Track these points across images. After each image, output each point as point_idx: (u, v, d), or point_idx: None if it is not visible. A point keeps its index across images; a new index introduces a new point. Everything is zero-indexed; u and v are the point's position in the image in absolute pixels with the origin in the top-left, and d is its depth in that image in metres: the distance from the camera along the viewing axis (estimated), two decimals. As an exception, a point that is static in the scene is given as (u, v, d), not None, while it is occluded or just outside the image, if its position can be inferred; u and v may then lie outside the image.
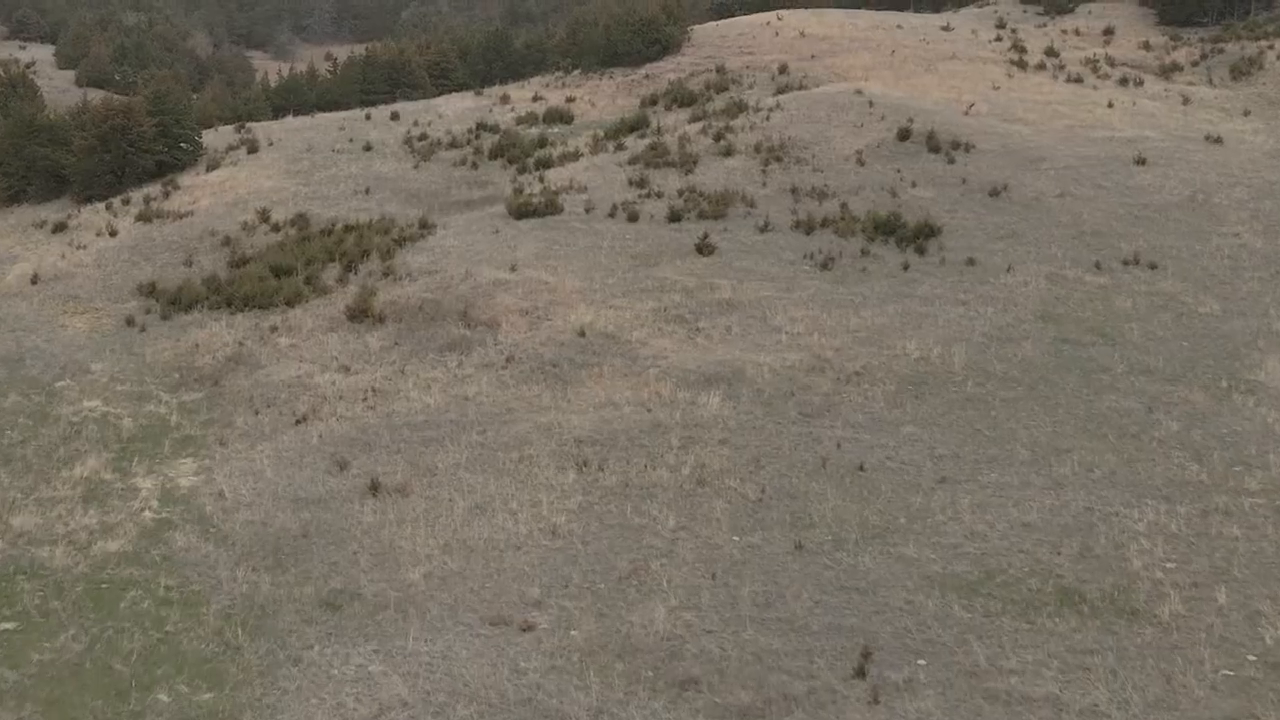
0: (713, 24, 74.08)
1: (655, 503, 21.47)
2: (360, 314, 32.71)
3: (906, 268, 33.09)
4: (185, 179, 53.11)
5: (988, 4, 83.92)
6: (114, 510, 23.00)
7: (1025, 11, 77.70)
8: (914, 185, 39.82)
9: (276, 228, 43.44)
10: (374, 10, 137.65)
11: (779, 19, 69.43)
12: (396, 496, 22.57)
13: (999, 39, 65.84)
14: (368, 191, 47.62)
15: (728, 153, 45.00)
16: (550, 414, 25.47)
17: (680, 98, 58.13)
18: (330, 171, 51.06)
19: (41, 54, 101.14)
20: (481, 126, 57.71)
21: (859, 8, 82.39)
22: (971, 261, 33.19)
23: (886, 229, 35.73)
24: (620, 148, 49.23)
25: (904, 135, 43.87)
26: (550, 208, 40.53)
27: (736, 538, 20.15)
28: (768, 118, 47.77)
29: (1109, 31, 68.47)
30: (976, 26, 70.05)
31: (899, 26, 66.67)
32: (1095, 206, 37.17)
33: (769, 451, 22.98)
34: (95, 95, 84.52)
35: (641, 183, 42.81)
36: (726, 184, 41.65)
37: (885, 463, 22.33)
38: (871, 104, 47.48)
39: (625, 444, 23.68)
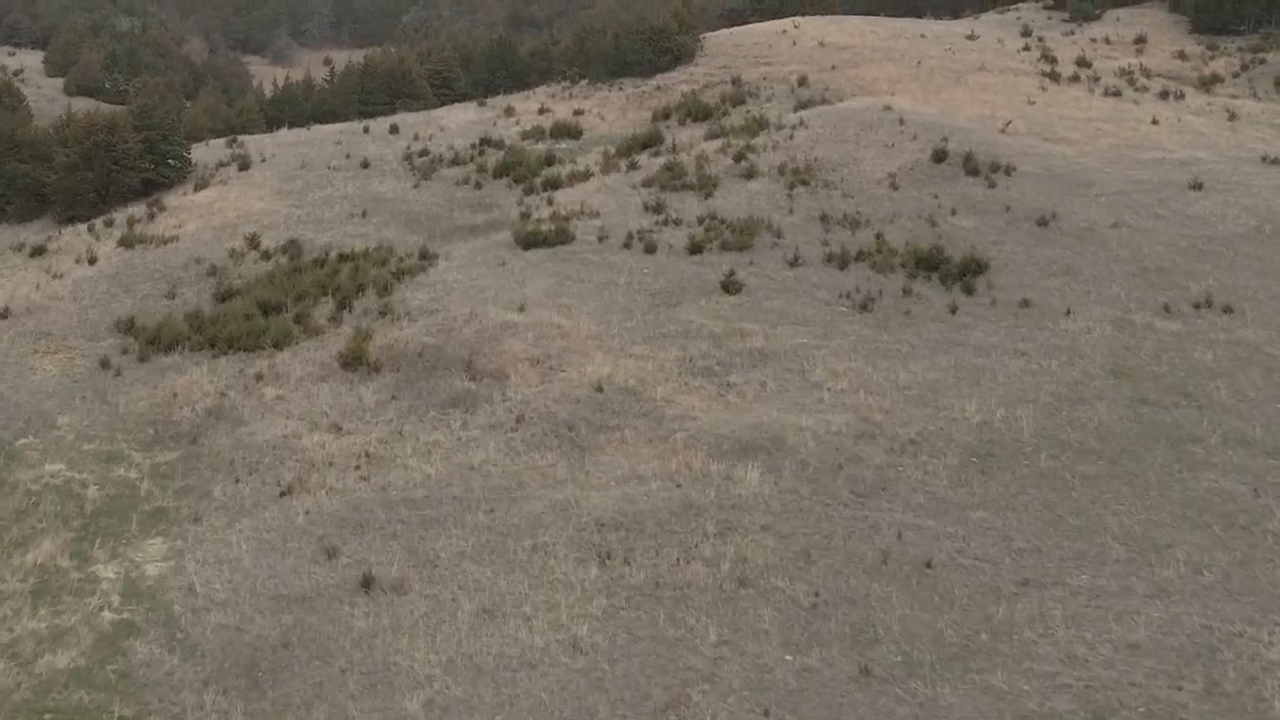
0: (726, 32, 71.07)
1: (692, 608, 18.51)
2: (354, 361, 29.73)
3: (955, 310, 30.08)
4: (172, 199, 50.14)
5: (1009, 10, 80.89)
6: (68, 609, 20.04)
7: (1050, 18, 74.62)
8: (954, 213, 36.82)
9: (266, 255, 40.49)
10: (374, 15, 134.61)
11: (796, 27, 66.41)
12: (392, 595, 19.61)
13: (1027, 48, 62.79)
14: (364, 214, 44.67)
15: (750, 175, 41.99)
16: (566, 489, 22.50)
17: (695, 111, 55.10)
18: (325, 192, 48.08)
19: (31, 61, 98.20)
20: (485, 142, 54.70)
21: (872, 14, 79.57)
22: (1026, 303, 30.18)
23: (929, 264, 32.73)
24: (633, 167, 46.23)
25: (939, 156, 40.86)
26: (560, 236, 37.55)
27: (790, 657, 17.19)
28: (791, 136, 44.77)
29: (1140, 40, 65.42)
30: (1002, 35, 66.95)
31: (922, 35, 63.62)
32: (1154, 239, 34.17)
33: (819, 542, 20.00)
34: (84, 105, 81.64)
35: (658, 208, 39.82)
36: (750, 210, 38.66)
37: (956, 558, 19.36)
38: (902, 121, 44.47)
39: (653, 529, 20.70)
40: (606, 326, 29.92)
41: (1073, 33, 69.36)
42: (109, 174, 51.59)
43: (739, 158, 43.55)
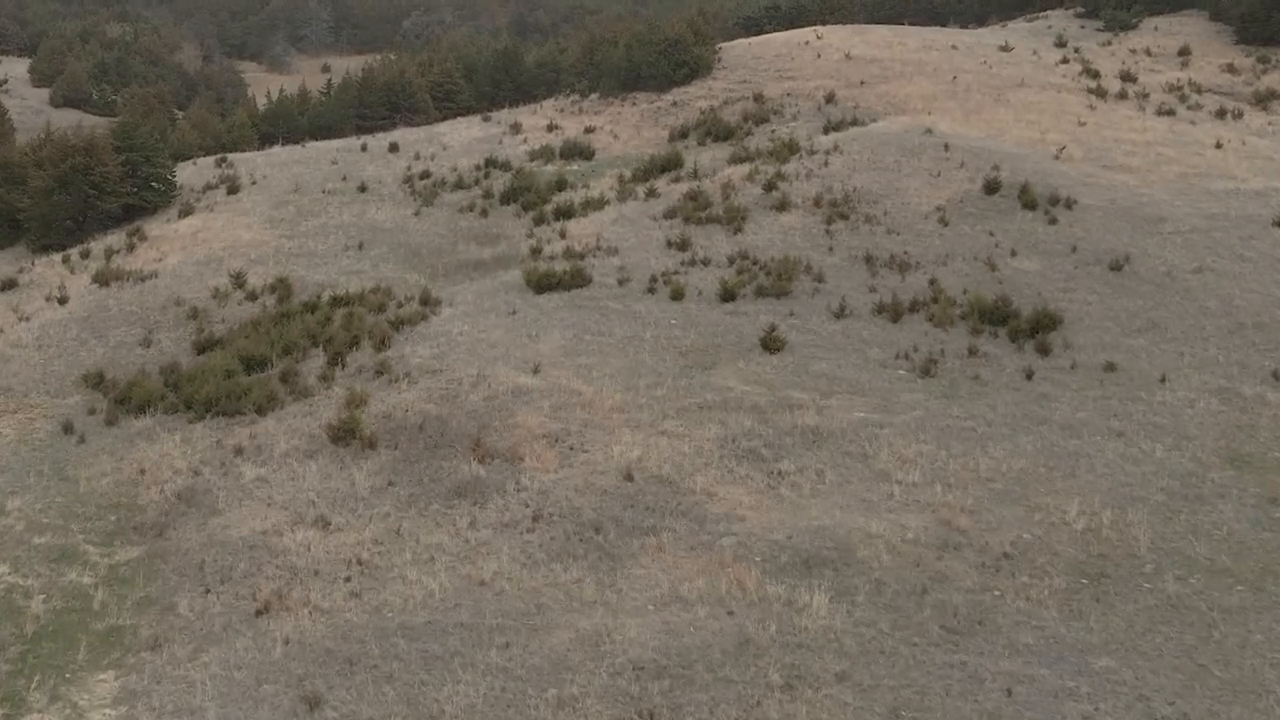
0: (744, 42, 67.38)
1: (759, 798, 14.83)
2: (346, 434, 26.04)
3: (1030, 375, 26.41)
4: (154, 226, 46.53)
5: (1038, 17, 77.20)
6: (-10, 782, 16.39)
7: (1083, 27, 70.94)
8: (1014, 254, 33.17)
9: (253, 296, 36.87)
10: (373, 20, 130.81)
11: (818, 37, 62.72)
12: (387, 768, 15.93)
13: (1065, 61, 59.10)
14: (361, 247, 41.08)
15: (782, 206, 38.35)
16: (596, 614, 18.82)
17: (715, 130, 51.50)
18: (319, 220, 44.47)
19: (17, 69, 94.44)
20: (491, 163, 51.12)
21: (894, 22, 75.91)
22: (1111, 367, 26.51)
23: (995, 317, 29.09)
24: (652, 194, 42.59)
25: (991, 187, 37.20)
26: (576, 278, 33.91)
27: None
28: (826, 163, 41.10)
29: (1184, 52, 61.71)
30: (1036, 45, 63.28)
31: (954, 47, 59.94)
32: (1245, 286, 30.51)
33: (910, 699, 16.33)
34: (69, 117, 78.00)
35: (683, 244, 36.18)
36: (785, 248, 35.03)
37: (1083, 726, 15.67)
38: (947, 147, 40.81)
39: (705, 678, 17.02)
40: (633, 394, 26.24)
41: (1110, 43, 65.69)
42: (87, 199, 48.07)
43: (769, 186, 39.90)
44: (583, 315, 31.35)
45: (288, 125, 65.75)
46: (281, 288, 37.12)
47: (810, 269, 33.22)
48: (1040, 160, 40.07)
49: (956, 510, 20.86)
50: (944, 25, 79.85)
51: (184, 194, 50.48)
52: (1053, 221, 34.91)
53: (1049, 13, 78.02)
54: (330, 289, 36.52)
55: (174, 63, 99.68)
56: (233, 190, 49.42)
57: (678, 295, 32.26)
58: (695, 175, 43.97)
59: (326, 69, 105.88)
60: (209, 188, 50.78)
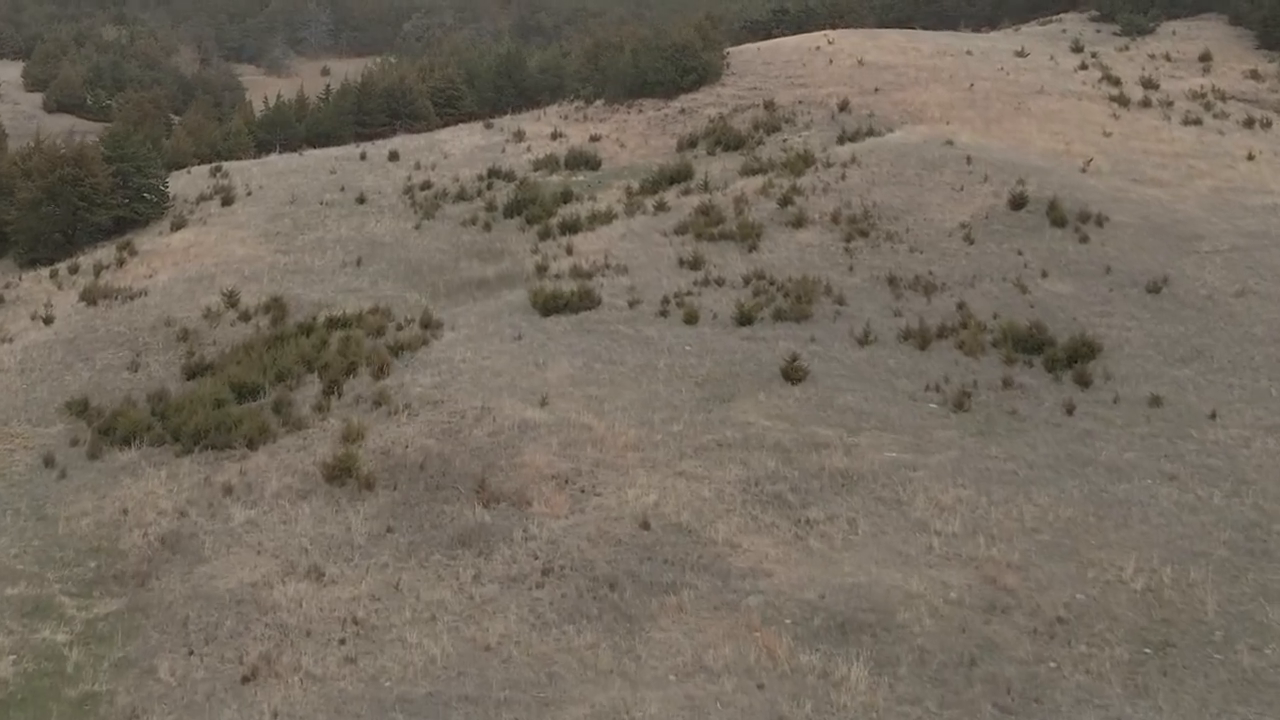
0: (753, 47, 65.71)
1: None
2: (342, 473, 24.43)
3: (1071, 410, 24.81)
4: (145, 240, 44.91)
5: (1051, 21, 75.51)
6: None
7: (1099, 31, 69.26)
8: (1044, 275, 31.58)
9: (246, 316, 35.27)
10: (373, 23, 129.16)
11: (830, 42, 61.07)
12: None
13: (1084, 66, 57.45)
14: (359, 263, 39.49)
15: (798, 223, 36.75)
16: (613, 686, 17.22)
17: (725, 140, 49.86)
18: (316, 234, 42.85)
19: (11, 73, 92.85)
20: (494, 173, 49.48)
21: (904, 26, 74.30)
22: (1157, 401, 24.90)
23: (1029, 345, 27.50)
24: (661, 207, 40.99)
25: (1018, 203, 35.60)
26: (584, 299, 32.34)
27: None
28: (843, 176, 39.50)
29: (1205, 58, 60.08)
30: (1051, 50, 61.60)
31: (969, 53, 58.29)
32: (1292, 311, 28.93)
33: (966, 794, 14.70)
34: (63, 123, 76.43)
35: (695, 263, 34.59)
36: (803, 267, 33.44)
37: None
38: (969, 159, 39.19)
39: (736, 765, 15.41)
40: (648, 430, 24.63)
41: (1127, 48, 64.00)
42: (76, 212, 46.42)
43: (785, 201, 38.30)
44: (592, 341, 29.76)
45: (285, 132, 64.10)
46: (276, 308, 35.52)
47: (830, 290, 31.63)
48: (1067, 173, 38.47)
49: (1002, 566, 19.25)
50: (954, 29, 78.12)
51: (177, 205, 48.84)
52: (1083, 240, 33.33)
53: (1062, 16, 76.29)
54: (327, 309, 34.92)
55: (171, 66, 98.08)
56: (227, 201, 47.79)
57: (691, 319, 30.68)
58: (706, 188, 42.38)
59: (326, 72, 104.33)
60: (203, 199, 49.13)
